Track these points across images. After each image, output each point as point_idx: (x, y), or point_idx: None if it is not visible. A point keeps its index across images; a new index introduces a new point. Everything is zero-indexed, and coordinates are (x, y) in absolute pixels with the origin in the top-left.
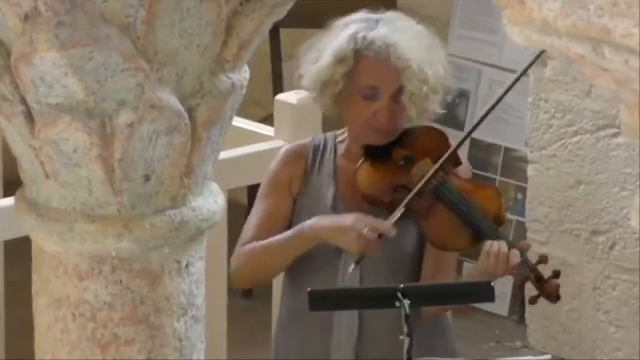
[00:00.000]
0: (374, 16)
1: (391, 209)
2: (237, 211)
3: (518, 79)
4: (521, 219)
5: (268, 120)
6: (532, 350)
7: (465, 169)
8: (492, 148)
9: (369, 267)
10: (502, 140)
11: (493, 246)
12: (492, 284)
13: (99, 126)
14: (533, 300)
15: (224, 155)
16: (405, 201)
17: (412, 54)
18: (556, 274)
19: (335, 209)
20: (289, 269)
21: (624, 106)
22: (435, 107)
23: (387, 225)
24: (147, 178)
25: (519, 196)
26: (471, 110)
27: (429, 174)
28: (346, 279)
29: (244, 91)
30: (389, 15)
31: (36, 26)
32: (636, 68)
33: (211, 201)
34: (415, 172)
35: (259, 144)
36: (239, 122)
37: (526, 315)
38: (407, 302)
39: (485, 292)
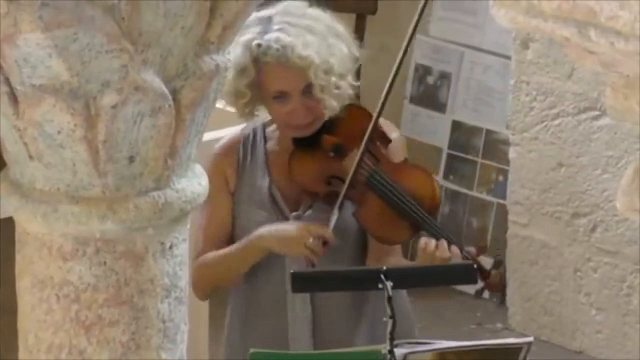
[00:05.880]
0: (266, 14)
1: (327, 202)
2: None
3: (414, 31)
4: (502, 201)
5: None
6: (513, 332)
7: (396, 147)
8: (473, 130)
9: None
10: (483, 123)
11: (429, 245)
12: (475, 266)
13: (83, 107)
14: (478, 294)
15: (207, 136)
16: (338, 202)
17: (310, 49)
18: (497, 264)
19: (273, 200)
20: None
21: (609, 88)
22: (350, 88)
23: (329, 232)
24: (131, 159)
25: (500, 178)
26: (452, 92)
27: (354, 165)
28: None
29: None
30: (281, 8)
31: (20, 6)
32: (622, 50)
33: (195, 183)
34: (347, 163)
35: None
36: (221, 103)
37: (507, 297)
38: (389, 284)
39: (467, 274)
